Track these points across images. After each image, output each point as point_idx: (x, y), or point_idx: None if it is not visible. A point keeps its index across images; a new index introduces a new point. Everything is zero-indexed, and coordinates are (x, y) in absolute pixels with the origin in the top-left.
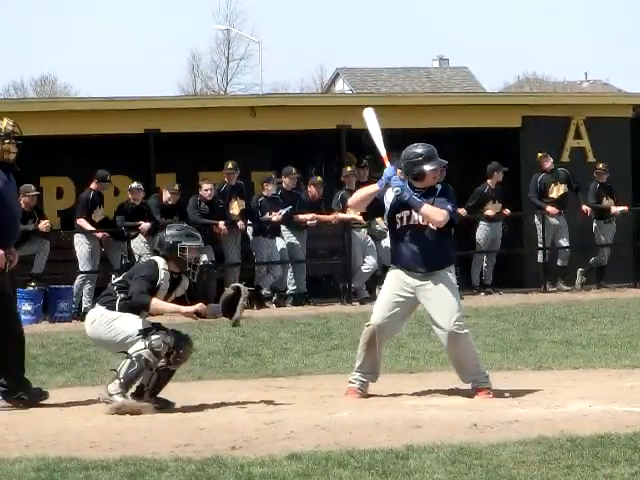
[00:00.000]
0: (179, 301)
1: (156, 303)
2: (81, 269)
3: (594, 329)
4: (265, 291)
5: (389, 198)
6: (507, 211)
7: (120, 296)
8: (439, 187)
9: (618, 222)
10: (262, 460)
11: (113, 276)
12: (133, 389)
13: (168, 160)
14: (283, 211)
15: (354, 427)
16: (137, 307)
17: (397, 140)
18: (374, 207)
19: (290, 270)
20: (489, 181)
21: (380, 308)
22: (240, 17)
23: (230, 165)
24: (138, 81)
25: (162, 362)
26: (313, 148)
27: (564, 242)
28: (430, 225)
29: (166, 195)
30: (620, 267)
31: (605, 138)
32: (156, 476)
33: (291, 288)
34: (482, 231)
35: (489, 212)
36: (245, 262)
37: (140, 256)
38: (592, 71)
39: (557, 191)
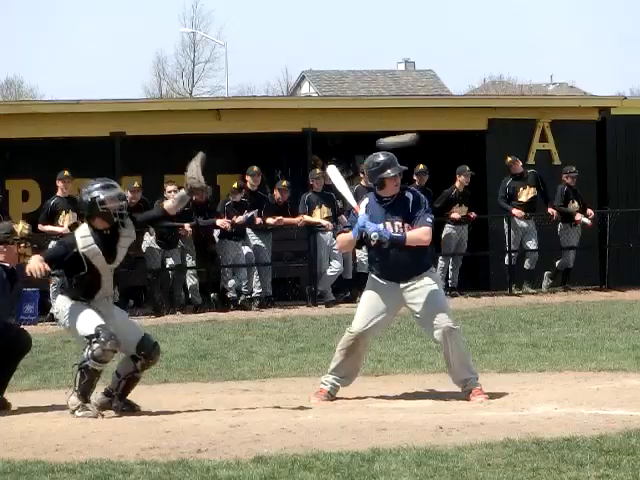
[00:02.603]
0: None
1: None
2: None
3: (560, 332)
4: (230, 294)
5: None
6: (473, 214)
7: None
8: (410, 197)
9: (583, 225)
10: (228, 463)
11: None
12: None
13: (134, 163)
14: (249, 214)
15: (320, 430)
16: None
17: (364, 143)
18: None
19: (256, 273)
20: (456, 184)
21: (363, 316)
22: (206, 20)
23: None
24: (104, 84)
25: (131, 369)
26: (279, 151)
27: (532, 245)
28: None
29: (128, 195)
30: (586, 270)
31: (571, 141)
32: (122, 479)
33: (257, 291)
34: (448, 234)
35: (455, 215)
36: (210, 265)
37: None
38: (558, 74)
39: (526, 194)
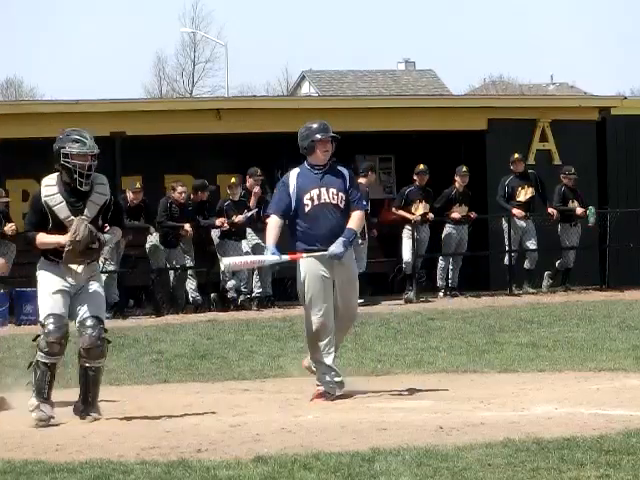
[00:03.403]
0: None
1: (40, 238)
2: None
3: (560, 332)
4: (231, 294)
5: (291, 183)
6: (473, 214)
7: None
8: (345, 172)
9: (584, 224)
10: (228, 463)
11: None
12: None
13: (134, 163)
14: (248, 214)
15: (320, 430)
16: (26, 242)
17: (364, 143)
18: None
19: (256, 273)
20: (456, 184)
21: (319, 300)
22: (206, 20)
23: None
24: (104, 84)
25: (82, 361)
26: (279, 151)
27: (532, 245)
28: (338, 203)
29: (130, 195)
30: (586, 270)
31: (571, 141)
32: (122, 479)
33: (257, 291)
34: (448, 233)
35: (455, 215)
36: (210, 265)
37: (105, 259)
38: (558, 74)
39: (524, 194)
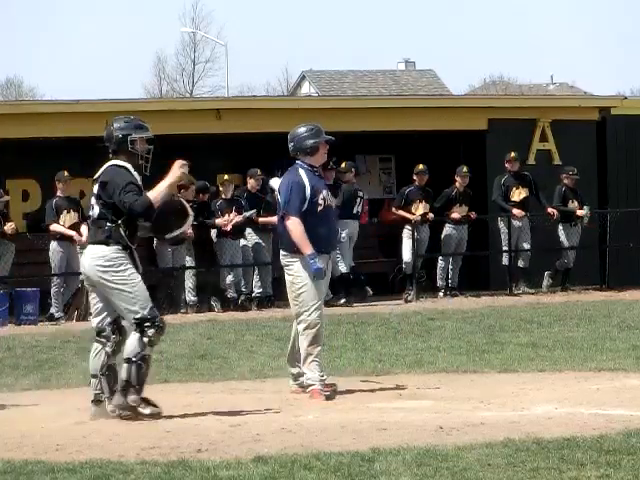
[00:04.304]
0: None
1: (153, 196)
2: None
3: (560, 332)
4: (230, 294)
5: (306, 184)
6: (473, 214)
7: (110, 225)
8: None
9: (583, 224)
10: (228, 463)
11: (91, 210)
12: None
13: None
14: (247, 214)
15: (320, 430)
16: (141, 214)
17: (364, 143)
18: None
19: (256, 272)
20: (456, 184)
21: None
22: (206, 20)
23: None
24: (104, 84)
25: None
26: (279, 151)
27: (526, 245)
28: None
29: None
30: (586, 270)
31: (571, 141)
32: (122, 479)
33: (257, 291)
34: (448, 233)
35: (455, 215)
36: (209, 264)
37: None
38: (558, 74)
39: (519, 195)
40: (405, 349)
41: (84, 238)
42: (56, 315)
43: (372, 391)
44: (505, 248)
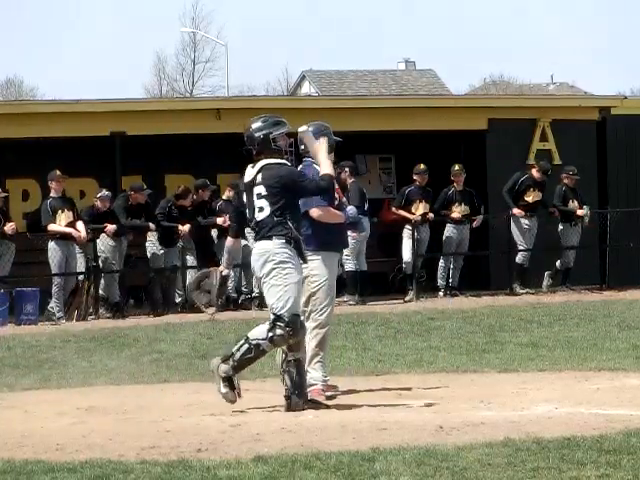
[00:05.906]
0: None
1: (329, 169)
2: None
3: (560, 331)
4: (230, 293)
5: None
6: (476, 222)
7: (290, 223)
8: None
9: (583, 224)
10: (228, 462)
11: (257, 212)
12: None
13: (134, 163)
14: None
15: (320, 429)
16: (330, 187)
17: (364, 143)
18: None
19: None
20: (455, 184)
21: (332, 306)
22: (206, 20)
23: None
24: (104, 84)
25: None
26: None
27: (529, 244)
28: None
29: (137, 196)
30: (586, 270)
31: (571, 141)
32: (122, 478)
33: (257, 291)
34: (449, 233)
35: (455, 214)
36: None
37: (107, 258)
38: (558, 73)
39: (532, 197)
40: (405, 349)
41: (82, 235)
42: (57, 315)
43: (372, 391)
44: (521, 248)
